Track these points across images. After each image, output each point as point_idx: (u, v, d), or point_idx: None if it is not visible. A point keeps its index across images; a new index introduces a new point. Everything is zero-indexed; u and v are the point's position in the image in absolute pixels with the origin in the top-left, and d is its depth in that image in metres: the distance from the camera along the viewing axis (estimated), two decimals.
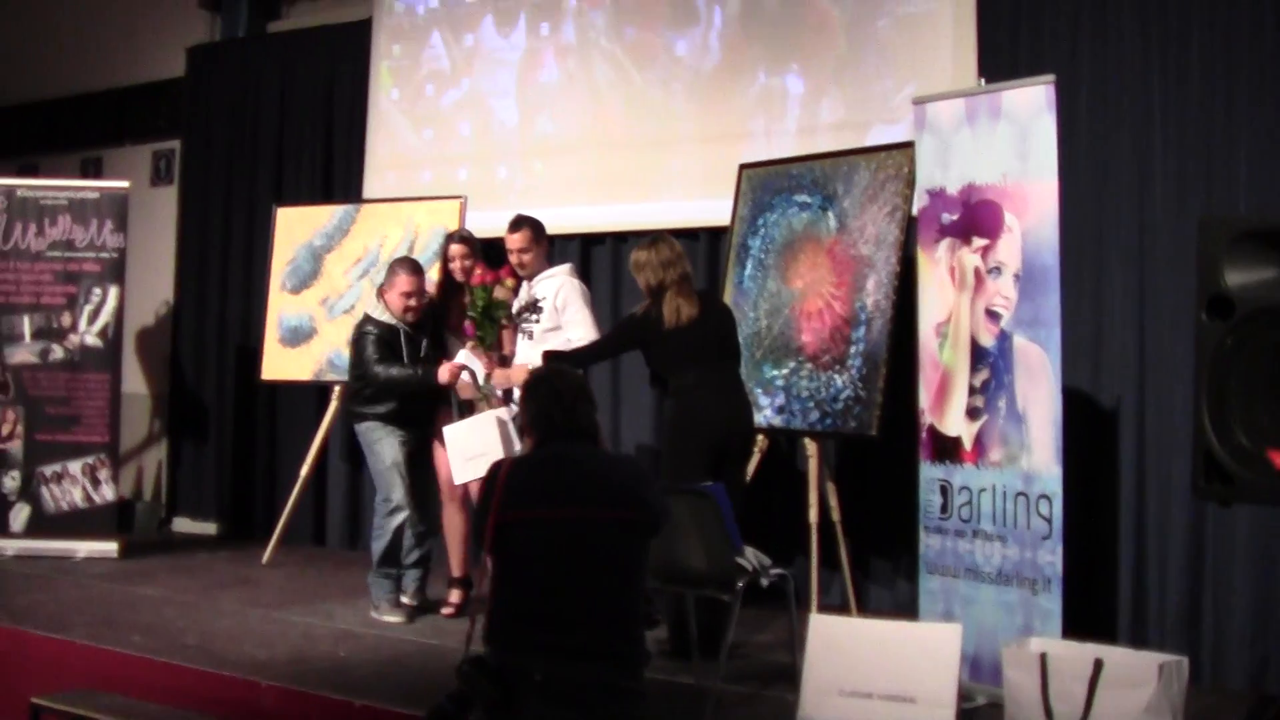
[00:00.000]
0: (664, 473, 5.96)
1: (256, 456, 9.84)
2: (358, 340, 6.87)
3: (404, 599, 6.88)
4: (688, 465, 5.80)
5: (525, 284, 6.75)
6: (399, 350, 6.78)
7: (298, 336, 8.49)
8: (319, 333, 8.29)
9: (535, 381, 4.34)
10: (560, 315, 6.53)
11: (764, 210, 7.05)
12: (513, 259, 6.73)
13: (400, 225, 8.19)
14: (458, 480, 6.58)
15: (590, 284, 8.26)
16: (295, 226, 8.68)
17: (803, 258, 6.80)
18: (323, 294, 8.41)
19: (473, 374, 6.66)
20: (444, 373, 6.64)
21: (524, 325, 6.68)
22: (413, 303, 6.80)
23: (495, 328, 6.71)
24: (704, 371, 6.00)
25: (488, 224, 7.51)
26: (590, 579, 3.96)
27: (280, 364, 8.58)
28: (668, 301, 6.00)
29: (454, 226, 7.81)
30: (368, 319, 6.87)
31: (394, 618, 6.71)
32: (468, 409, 6.64)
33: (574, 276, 6.73)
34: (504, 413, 6.42)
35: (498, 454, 6.09)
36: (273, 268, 8.68)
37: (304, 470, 8.42)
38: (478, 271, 6.80)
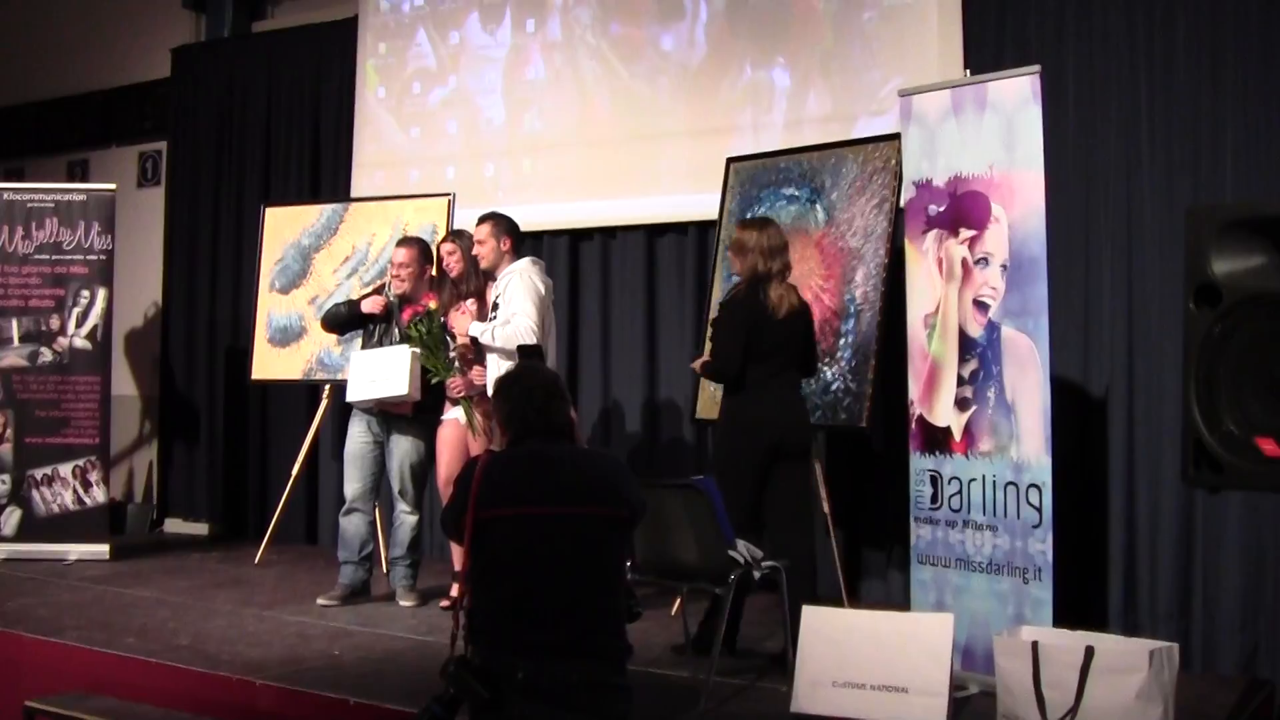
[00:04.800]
0: (717, 468, 5.79)
1: (247, 456, 9.84)
2: None
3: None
4: (744, 464, 5.69)
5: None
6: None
7: (287, 336, 8.48)
8: (308, 332, 8.27)
9: (506, 381, 4.34)
10: (505, 308, 6.50)
11: (752, 204, 7.05)
12: (474, 250, 6.78)
13: (388, 224, 8.17)
14: (349, 398, 6.98)
15: (579, 280, 8.30)
16: (283, 226, 8.66)
17: (791, 251, 6.78)
18: (312, 293, 8.39)
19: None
20: (368, 303, 7.07)
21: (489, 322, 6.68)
22: (400, 273, 7.03)
23: (443, 351, 6.76)
24: (781, 366, 5.79)
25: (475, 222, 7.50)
26: (570, 575, 3.96)
27: (270, 364, 8.57)
28: (774, 289, 5.78)
29: (442, 224, 7.84)
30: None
31: (320, 600, 7.00)
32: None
33: (529, 270, 6.57)
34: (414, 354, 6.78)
35: (403, 385, 6.71)
36: (261, 268, 8.66)
37: (295, 469, 8.41)
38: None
